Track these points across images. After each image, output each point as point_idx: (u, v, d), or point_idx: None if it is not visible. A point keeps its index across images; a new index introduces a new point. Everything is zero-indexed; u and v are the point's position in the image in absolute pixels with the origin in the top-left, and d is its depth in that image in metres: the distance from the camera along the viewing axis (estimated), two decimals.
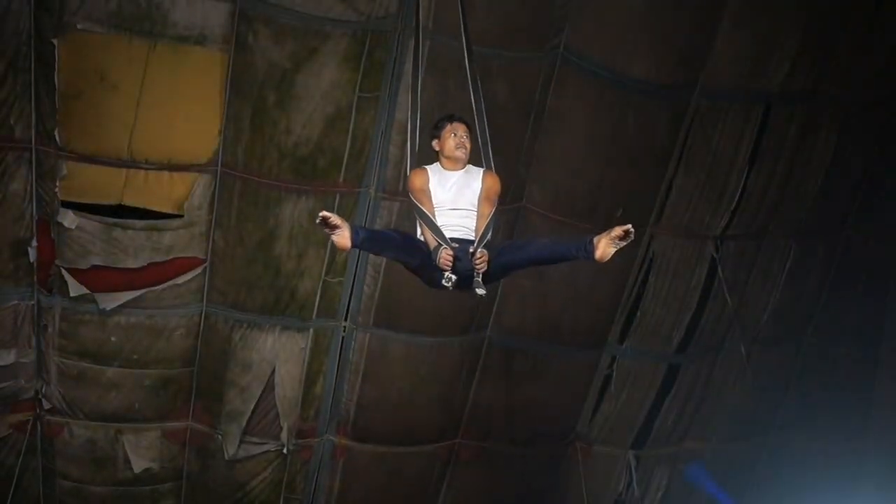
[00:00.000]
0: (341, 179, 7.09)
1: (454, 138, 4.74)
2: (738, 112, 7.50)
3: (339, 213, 7.09)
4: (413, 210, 4.58)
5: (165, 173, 6.85)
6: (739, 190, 7.84)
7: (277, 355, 7.64)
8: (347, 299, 7.56)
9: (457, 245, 4.37)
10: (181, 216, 7.01)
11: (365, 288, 7.52)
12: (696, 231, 7.94)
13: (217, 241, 7.16)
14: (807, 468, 9.43)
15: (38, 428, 7.60)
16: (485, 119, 4.95)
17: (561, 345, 8.09)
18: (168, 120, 6.74)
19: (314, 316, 7.56)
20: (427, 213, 4.54)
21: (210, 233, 7.12)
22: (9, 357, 7.29)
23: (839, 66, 7.54)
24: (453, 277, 4.34)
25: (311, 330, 7.63)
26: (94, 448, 7.80)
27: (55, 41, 6.29)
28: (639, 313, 8.22)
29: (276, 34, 6.59)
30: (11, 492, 7.63)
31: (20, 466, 7.63)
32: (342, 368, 7.82)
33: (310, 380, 7.81)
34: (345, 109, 6.87)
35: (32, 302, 7.11)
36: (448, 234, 4.49)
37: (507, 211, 7.39)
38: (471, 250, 4.39)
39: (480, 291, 4.39)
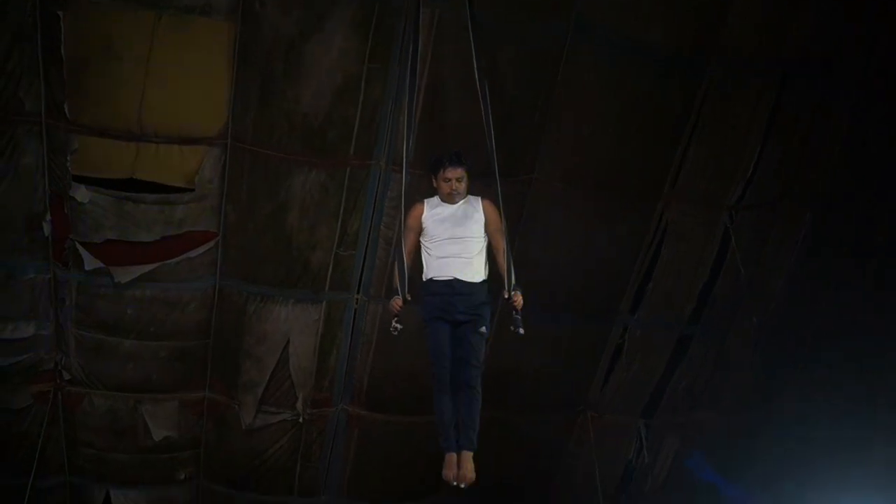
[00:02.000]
0: (352, 152, 7.04)
1: (447, 185, 5.07)
2: (754, 80, 7.34)
3: (351, 187, 7.20)
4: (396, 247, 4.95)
5: (175, 146, 6.83)
6: (755, 159, 7.72)
7: (291, 327, 7.69)
8: (360, 272, 7.58)
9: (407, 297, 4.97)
10: (192, 189, 7.01)
11: (377, 260, 7.52)
12: (711, 201, 7.84)
13: (229, 214, 7.16)
14: (817, 439, 9.43)
15: (59, 398, 7.76)
16: (488, 97, 5.09)
17: (572, 314, 8.08)
18: (176, 92, 6.69)
19: (327, 288, 7.58)
20: (403, 253, 5.06)
21: (222, 206, 7.12)
22: (28, 329, 7.40)
23: (858, 32, 7.34)
24: (398, 327, 4.98)
25: (325, 302, 7.66)
26: (114, 418, 7.96)
27: (60, 13, 6.22)
28: (651, 283, 8.17)
29: (283, 2, 6.48)
30: (36, 459, 7.83)
31: (43, 435, 7.80)
32: (355, 340, 7.87)
33: (324, 351, 7.88)
34: (354, 80, 6.78)
35: (49, 276, 7.19)
36: (445, 270, 5.00)
37: (518, 183, 7.34)
38: (505, 295, 4.97)
39: (521, 331, 4.74)
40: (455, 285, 5.02)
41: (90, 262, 7.13)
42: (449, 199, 5.24)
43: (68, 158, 6.73)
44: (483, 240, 5.24)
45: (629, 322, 8.39)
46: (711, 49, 7.11)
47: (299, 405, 8.03)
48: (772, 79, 7.37)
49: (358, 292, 7.66)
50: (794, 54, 7.27)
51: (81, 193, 6.88)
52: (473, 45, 5.44)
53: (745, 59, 7.18)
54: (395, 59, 6.75)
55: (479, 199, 5.34)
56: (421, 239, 5.32)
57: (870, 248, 8.65)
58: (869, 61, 7.54)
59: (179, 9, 6.40)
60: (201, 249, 7.27)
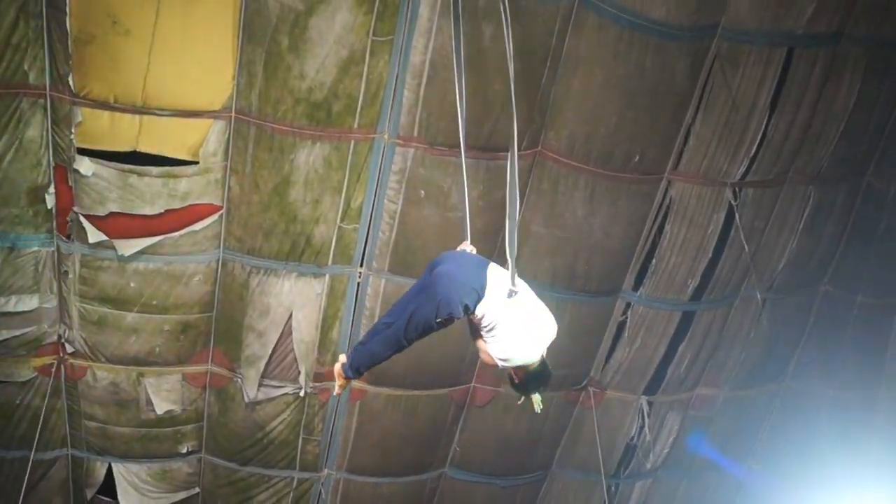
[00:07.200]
0: (356, 125, 7.04)
1: None
2: (759, 55, 7.31)
3: (355, 161, 7.18)
4: None
5: (180, 119, 6.82)
6: (759, 136, 7.71)
7: (294, 301, 7.70)
8: (363, 245, 7.59)
9: None
10: (196, 163, 7.01)
11: (380, 234, 7.53)
12: (715, 177, 7.83)
13: (232, 187, 7.17)
14: (820, 416, 9.47)
15: (62, 371, 7.80)
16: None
17: (575, 291, 8.09)
18: (181, 65, 6.68)
19: (330, 262, 7.59)
20: None
21: (225, 179, 7.13)
22: (31, 302, 7.43)
23: (864, 6, 7.32)
24: None
25: (327, 276, 7.67)
26: (117, 390, 7.99)
27: None
28: (654, 260, 8.19)
29: None
30: (38, 431, 7.86)
31: (46, 407, 7.85)
32: (358, 313, 7.89)
33: (326, 324, 7.89)
34: (359, 54, 6.77)
35: (52, 248, 7.21)
36: None
37: (523, 157, 7.33)
38: None
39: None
40: None
41: (94, 235, 7.14)
42: None
43: (72, 131, 6.73)
44: None
45: (632, 299, 8.40)
46: (717, 22, 7.07)
47: (302, 379, 8.06)
48: (778, 53, 7.35)
49: (361, 266, 7.68)
50: (800, 28, 7.24)
51: (85, 166, 6.88)
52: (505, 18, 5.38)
53: (751, 32, 7.16)
54: (400, 33, 6.74)
55: None
56: None
57: (873, 224, 8.67)
58: (875, 34, 7.51)
59: None
60: (205, 223, 7.28)
